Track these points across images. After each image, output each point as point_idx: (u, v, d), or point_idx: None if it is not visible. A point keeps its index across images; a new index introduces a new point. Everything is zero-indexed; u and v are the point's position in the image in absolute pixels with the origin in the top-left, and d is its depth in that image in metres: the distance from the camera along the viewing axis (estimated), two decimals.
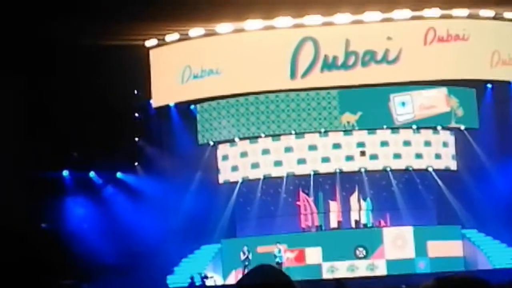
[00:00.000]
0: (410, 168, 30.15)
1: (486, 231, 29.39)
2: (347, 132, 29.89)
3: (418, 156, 30.29)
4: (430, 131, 30.40)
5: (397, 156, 30.10)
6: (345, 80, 28.90)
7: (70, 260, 25.09)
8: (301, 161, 30.13)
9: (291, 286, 2.22)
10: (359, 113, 29.29)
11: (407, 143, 30.22)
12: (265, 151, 30.44)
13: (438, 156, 30.58)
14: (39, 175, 26.39)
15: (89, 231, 27.52)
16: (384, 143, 30.08)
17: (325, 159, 30.04)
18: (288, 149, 30.25)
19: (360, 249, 28.51)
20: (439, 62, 28.78)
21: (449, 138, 30.84)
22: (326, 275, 27.97)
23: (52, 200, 27.36)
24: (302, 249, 28.57)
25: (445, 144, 30.75)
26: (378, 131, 29.89)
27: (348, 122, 29.46)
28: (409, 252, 28.51)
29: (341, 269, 28.20)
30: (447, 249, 28.58)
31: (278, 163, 30.27)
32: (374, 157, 29.91)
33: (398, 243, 28.66)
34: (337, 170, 29.99)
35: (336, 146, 30.09)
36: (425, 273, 27.10)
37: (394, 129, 29.94)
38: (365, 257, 28.43)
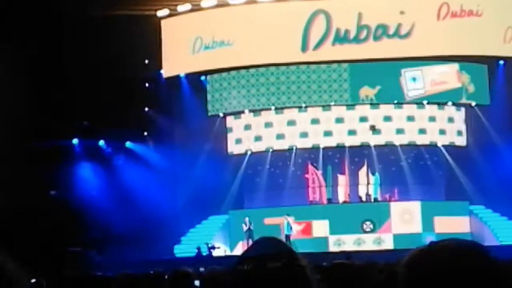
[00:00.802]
0: (420, 143, 30.13)
1: (494, 207, 29.39)
2: (351, 106, 29.80)
3: (425, 131, 30.23)
4: (441, 107, 30.31)
5: (401, 131, 30.05)
6: (356, 54, 28.80)
7: (78, 228, 25.30)
8: (308, 135, 30.12)
9: (293, 256, 2.25)
10: (377, 87, 29.18)
11: (413, 119, 30.15)
12: (273, 124, 30.42)
13: (445, 132, 30.52)
14: (49, 143, 26.50)
15: (98, 200, 27.66)
16: (390, 118, 30.01)
17: (332, 133, 30.02)
18: (294, 122, 30.22)
19: (368, 223, 28.58)
20: (451, 38, 28.61)
21: (460, 114, 30.75)
22: (332, 248, 28.07)
23: (62, 168, 27.50)
24: (309, 222, 28.64)
25: (454, 120, 30.67)
26: (388, 105, 29.80)
27: (367, 96, 29.36)
28: (416, 227, 28.55)
29: (348, 243, 28.28)
30: (454, 224, 28.59)
31: (285, 136, 30.28)
32: (379, 132, 29.85)
33: (406, 218, 28.71)
34: (346, 144, 30.00)
35: (344, 120, 30.04)
36: None
37: (403, 104, 29.88)
38: (372, 231, 28.52)
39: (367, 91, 29.28)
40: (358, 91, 29.38)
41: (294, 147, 30.22)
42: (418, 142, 30.20)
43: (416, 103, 29.97)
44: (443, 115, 30.57)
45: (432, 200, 29.32)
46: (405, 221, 28.69)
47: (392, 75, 29.35)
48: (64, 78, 26.15)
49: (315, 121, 30.12)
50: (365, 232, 28.47)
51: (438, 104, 30.27)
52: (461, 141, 30.68)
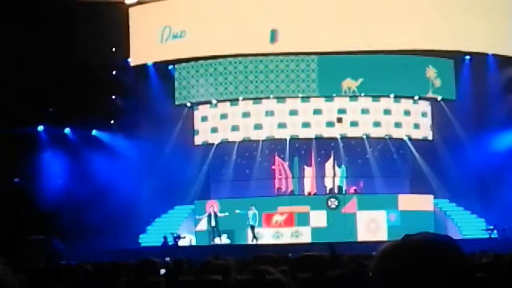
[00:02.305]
0: (387, 137, 30.32)
1: (458, 201, 29.73)
2: (321, 98, 29.91)
3: (397, 125, 30.44)
4: (409, 101, 30.50)
5: (376, 124, 30.21)
6: (326, 46, 28.75)
7: (42, 216, 25.07)
8: (279, 125, 30.16)
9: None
10: (360, 80, 29.21)
11: (388, 112, 30.31)
12: (244, 114, 30.42)
13: (413, 126, 30.75)
14: (14, 130, 26.21)
15: (63, 188, 27.44)
16: (364, 111, 30.14)
17: (303, 125, 30.09)
18: (266, 113, 30.26)
19: (332, 199, 28.57)
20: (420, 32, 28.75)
21: (426, 108, 30.99)
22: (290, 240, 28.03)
23: (26, 156, 27.23)
24: (291, 213, 28.40)
25: (424, 114, 30.92)
26: (363, 98, 29.87)
27: (349, 88, 29.37)
28: (381, 235, 28.29)
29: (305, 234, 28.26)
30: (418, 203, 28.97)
31: (255, 127, 30.30)
32: (353, 124, 29.98)
33: (372, 227, 28.58)
34: (314, 136, 30.09)
35: (316, 112, 30.11)
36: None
37: (376, 97, 30.00)
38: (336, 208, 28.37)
39: (349, 83, 29.31)
40: (341, 83, 29.36)
41: (263, 138, 30.24)
42: (386, 135, 30.34)
43: (384, 97, 30.10)
44: (412, 109, 30.75)
45: (397, 193, 29.51)
46: (371, 230, 28.51)
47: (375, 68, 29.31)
48: (30, 64, 25.83)
49: (291, 112, 30.13)
50: (330, 208, 28.34)
51: (406, 98, 30.45)
52: (429, 135, 30.93)
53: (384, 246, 2.03)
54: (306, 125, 30.08)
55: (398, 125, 30.49)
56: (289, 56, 29.61)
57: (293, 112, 30.13)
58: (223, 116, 30.60)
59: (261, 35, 28.74)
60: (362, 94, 29.73)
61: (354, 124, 29.99)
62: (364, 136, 30.19)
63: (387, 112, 30.35)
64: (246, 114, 30.37)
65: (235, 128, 30.45)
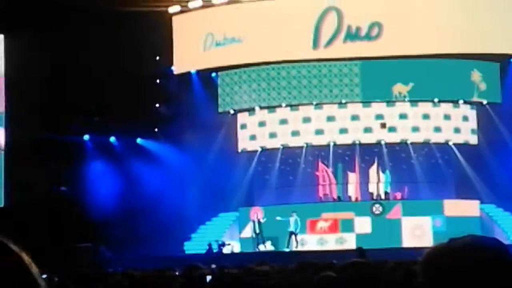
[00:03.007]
0: (430, 142, 30.06)
1: (505, 206, 29.31)
2: (365, 104, 29.79)
3: (437, 129, 30.18)
4: (450, 105, 30.23)
5: (415, 129, 30.01)
6: (368, 52, 28.71)
7: (88, 224, 25.33)
8: (320, 132, 30.12)
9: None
10: (410, 84, 29.05)
11: (426, 116, 30.08)
12: (284, 121, 30.45)
13: (457, 130, 30.45)
14: (61, 138, 26.56)
15: (108, 196, 27.69)
16: (403, 116, 29.96)
17: (343, 131, 30.00)
18: (306, 120, 30.26)
19: (377, 205, 28.41)
20: (465, 35, 28.46)
21: (470, 112, 30.65)
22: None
23: (72, 164, 27.56)
24: (336, 219, 28.29)
25: (465, 118, 30.59)
26: (397, 103, 29.70)
27: (400, 93, 29.24)
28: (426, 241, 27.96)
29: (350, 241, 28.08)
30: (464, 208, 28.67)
31: (296, 133, 30.31)
32: (393, 129, 29.82)
33: (417, 233, 28.30)
34: (357, 142, 29.96)
35: (355, 117, 30.02)
36: None
37: (414, 101, 29.78)
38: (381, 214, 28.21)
39: (400, 88, 29.15)
40: (391, 87, 29.21)
41: (305, 145, 30.20)
42: (432, 140, 30.11)
43: (430, 101, 29.88)
44: (457, 114, 30.47)
45: (442, 199, 29.20)
46: (416, 235, 28.23)
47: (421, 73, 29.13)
48: (77, 74, 26.16)
49: (330, 119, 30.09)
50: (375, 214, 28.18)
51: (450, 102, 30.18)
52: (473, 139, 30.58)
53: (429, 249, 2.01)
54: (343, 131, 29.96)
55: (438, 129, 30.20)
56: (331, 63, 29.54)
57: (331, 118, 30.05)
58: (263, 123, 30.65)
59: (303, 41, 28.73)
60: (406, 100, 29.53)
61: (392, 129, 29.78)
62: (408, 141, 29.97)
63: (426, 116, 30.10)
64: (285, 121, 30.37)
65: (273, 135, 30.46)
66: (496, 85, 30.00)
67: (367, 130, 29.93)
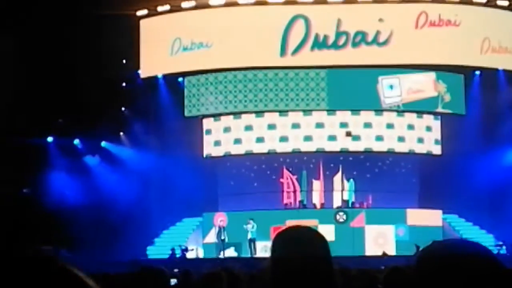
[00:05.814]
0: (393, 151, 30.28)
1: (467, 216, 29.61)
2: (331, 112, 29.94)
3: (401, 139, 30.43)
4: (414, 115, 30.50)
5: (380, 138, 30.23)
6: (334, 60, 28.89)
7: (50, 227, 25.06)
8: (284, 139, 30.19)
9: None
10: None
11: (390, 126, 30.33)
12: (249, 127, 30.47)
13: (421, 140, 30.73)
14: (23, 140, 26.27)
15: (71, 199, 27.45)
16: (368, 125, 30.16)
17: (309, 138, 30.10)
18: (271, 126, 30.31)
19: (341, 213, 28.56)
20: (429, 47, 28.79)
21: (434, 122, 30.95)
22: None
23: (36, 166, 27.27)
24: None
25: (429, 129, 30.88)
26: (362, 112, 29.92)
27: None
28: (389, 249, 28.18)
29: None
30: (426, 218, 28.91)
31: (261, 140, 30.33)
32: (357, 138, 30.00)
33: (380, 241, 28.48)
34: (321, 150, 30.07)
35: (320, 125, 30.15)
36: None
37: (379, 111, 30.02)
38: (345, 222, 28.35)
39: None
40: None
41: (270, 151, 30.23)
42: (396, 150, 30.33)
43: (394, 111, 30.12)
44: (420, 124, 30.74)
45: (405, 208, 29.42)
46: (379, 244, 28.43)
47: (368, 82, 29.46)
48: (41, 75, 25.92)
49: (295, 126, 30.16)
50: (338, 222, 28.29)
51: (415, 112, 30.44)
52: (436, 149, 30.87)
53: (425, 248, 2.04)
54: (308, 138, 30.06)
55: (402, 139, 30.46)
56: (298, 71, 29.66)
57: (296, 125, 30.15)
58: (228, 129, 30.63)
59: (271, 48, 28.80)
60: (373, 108, 29.74)
61: (356, 138, 29.96)
62: (372, 150, 30.16)
63: (390, 126, 30.33)
64: (250, 127, 30.37)
65: (238, 141, 30.46)
66: (460, 97, 30.33)
67: (332, 138, 30.09)
